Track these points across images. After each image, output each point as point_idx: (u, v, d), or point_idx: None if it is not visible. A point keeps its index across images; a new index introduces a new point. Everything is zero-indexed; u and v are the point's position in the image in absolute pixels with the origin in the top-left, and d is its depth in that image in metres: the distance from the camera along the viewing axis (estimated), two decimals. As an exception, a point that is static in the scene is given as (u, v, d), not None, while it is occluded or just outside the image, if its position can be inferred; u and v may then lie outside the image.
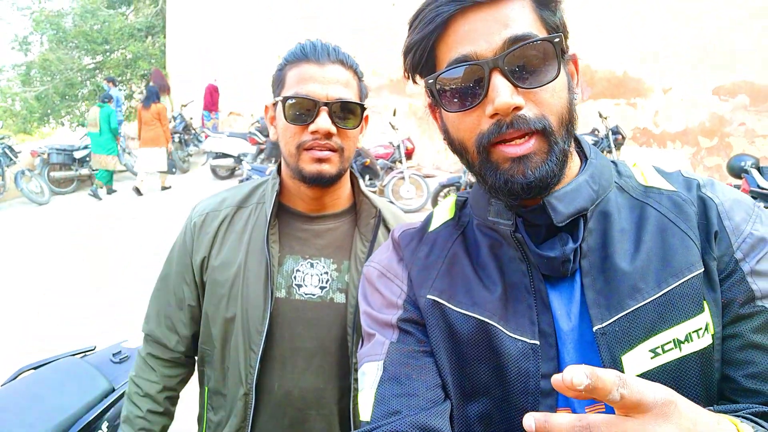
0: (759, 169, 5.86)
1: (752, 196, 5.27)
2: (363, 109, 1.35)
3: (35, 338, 4.79)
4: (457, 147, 0.85)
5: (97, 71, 20.50)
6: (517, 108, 0.74)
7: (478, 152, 0.79)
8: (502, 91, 0.73)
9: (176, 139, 13.01)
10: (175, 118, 13.68)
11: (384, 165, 9.44)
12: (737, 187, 5.47)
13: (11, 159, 10.95)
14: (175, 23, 17.49)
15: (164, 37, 19.12)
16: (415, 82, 0.88)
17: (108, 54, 20.45)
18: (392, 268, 0.97)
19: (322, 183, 1.33)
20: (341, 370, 1.37)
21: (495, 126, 0.75)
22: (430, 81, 0.81)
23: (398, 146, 9.27)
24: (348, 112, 1.31)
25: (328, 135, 1.28)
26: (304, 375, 1.36)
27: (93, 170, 11.61)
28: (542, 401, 0.79)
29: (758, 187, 5.50)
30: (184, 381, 1.56)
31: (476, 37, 0.76)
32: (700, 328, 0.76)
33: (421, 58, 0.82)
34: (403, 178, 8.88)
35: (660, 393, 0.54)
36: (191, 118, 14.00)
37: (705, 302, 0.77)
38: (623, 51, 8.82)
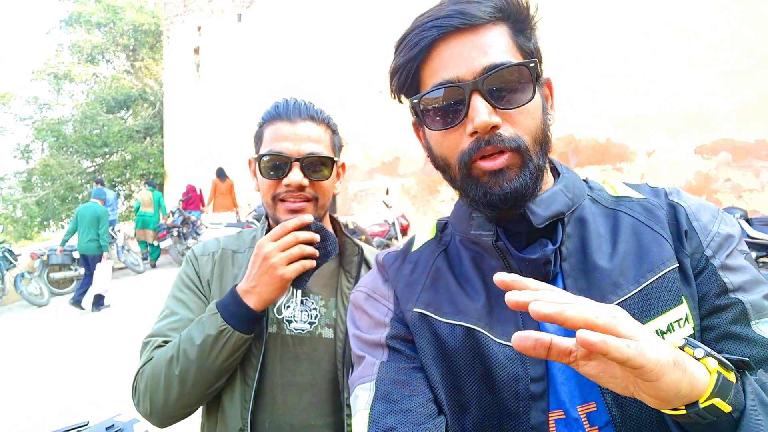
0: (748, 220, 6.08)
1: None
2: (333, 162, 1.43)
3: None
4: (440, 163, 0.91)
5: (97, 173, 20.96)
6: (495, 127, 0.80)
7: (460, 168, 0.85)
8: (481, 111, 0.79)
9: (174, 233, 13.12)
10: (173, 213, 13.85)
11: (380, 242, 9.50)
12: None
13: (11, 262, 10.97)
14: (172, 123, 18.13)
15: (162, 136, 19.71)
16: (400, 101, 0.95)
17: (107, 156, 21.01)
18: (378, 288, 1.00)
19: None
20: (333, 406, 1.36)
21: (474, 143, 0.82)
22: (415, 101, 0.87)
23: (393, 223, 9.39)
24: (320, 165, 1.39)
25: (301, 187, 1.36)
26: (295, 411, 1.35)
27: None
28: (533, 405, 0.80)
29: (748, 236, 5.67)
30: None
31: (458, 61, 0.82)
32: (681, 319, 0.80)
33: (406, 79, 0.89)
34: (400, 254, 8.92)
35: None
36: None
37: (683, 296, 0.81)
38: (604, 118, 9.13)
